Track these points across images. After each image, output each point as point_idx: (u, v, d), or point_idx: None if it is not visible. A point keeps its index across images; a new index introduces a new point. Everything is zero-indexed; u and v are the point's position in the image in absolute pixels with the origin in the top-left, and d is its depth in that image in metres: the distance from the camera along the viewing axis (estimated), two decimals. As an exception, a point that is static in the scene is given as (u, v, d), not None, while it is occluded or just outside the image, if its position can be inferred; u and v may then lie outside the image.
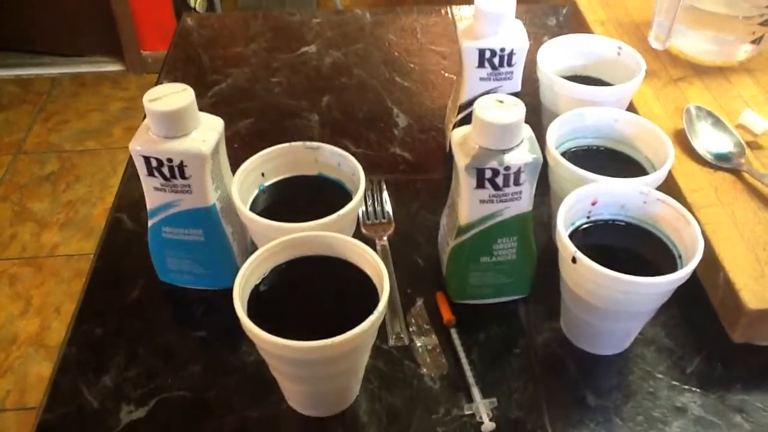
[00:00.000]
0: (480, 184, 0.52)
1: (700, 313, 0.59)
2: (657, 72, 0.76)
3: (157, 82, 0.84)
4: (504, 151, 0.51)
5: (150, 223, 0.56)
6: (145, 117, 0.52)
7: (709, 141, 0.66)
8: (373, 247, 0.62)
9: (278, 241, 0.49)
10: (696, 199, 0.61)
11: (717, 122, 0.67)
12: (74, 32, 2.42)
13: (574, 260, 0.50)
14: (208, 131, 0.52)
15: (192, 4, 2.43)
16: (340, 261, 0.50)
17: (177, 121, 0.50)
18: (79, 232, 1.85)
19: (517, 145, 0.51)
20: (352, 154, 0.62)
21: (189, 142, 0.51)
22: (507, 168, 0.51)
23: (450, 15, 0.97)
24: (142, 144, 0.51)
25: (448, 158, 0.71)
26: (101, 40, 2.42)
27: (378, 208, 0.66)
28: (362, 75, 0.86)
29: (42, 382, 1.50)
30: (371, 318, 0.44)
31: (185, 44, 0.92)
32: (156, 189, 0.53)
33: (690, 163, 0.65)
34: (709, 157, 0.65)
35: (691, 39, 0.78)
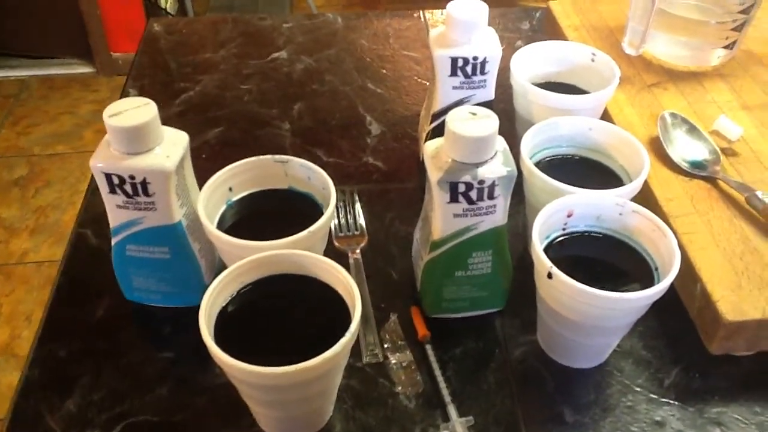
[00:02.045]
0: (453, 199, 0.51)
1: (676, 323, 0.58)
2: (631, 78, 0.75)
3: (124, 90, 0.82)
4: (477, 165, 0.50)
5: (113, 241, 0.54)
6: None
7: (684, 149, 0.66)
8: (346, 260, 0.61)
9: (246, 261, 0.48)
10: (672, 209, 0.61)
11: (692, 129, 0.67)
12: (42, 33, 2.37)
13: (550, 276, 0.49)
14: (172, 146, 0.51)
15: (162, 4, 2.40)
16: (311, 280, 0.49)
17: (139, 136, 0.49)
18: (50, 238, 1.82)
19: (491, 158, 0.50)
20: (324, 163, 0.61)
21: (152, 158, 0.49)
22: (481, 182, 0.50)
23: (423, 20, 0.96)
24: (103, 161, 0.49)
25: (422, 167, 0.70)
26: (70, 41, 2.37)
27: (351, 221, 0.65)
28: (334, 81, 0.84)
29: (11, 391, 1.47)
30: (343, 340, 0.42)
31: (152, 50, 0.89)
32: (119, 206, 0.51)
33: (665, 171, 0.64)
34: (684, 165, 0.64)
35: (664, 44, 0.77)
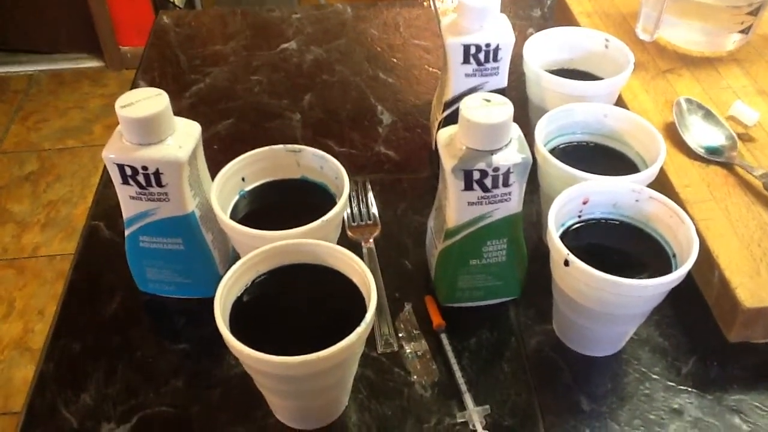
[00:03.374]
0: (468, 186, 0.50)
1: (693, 311, 0.57)
2: (645, 64, 0.74)
3: (134, 83, 0.81)
4: (492, 152, 0.49)
5: (127, 232, 0.54)
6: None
7: (700, 134, 0.65)
8: (359, 250, 0.61)
9: (260, 251, 0.47)
10: (688, 195, 0.60)
11: (708, 115, 0.66)
12: (51, 28, 2.37)
13: (566, 263, 0.48)
14: (184, 137, 0.50)
15: (171, -2, 2.39)
16: (325, 269, 0.48)
17: (151, 127, 0.48)
18: (61, 233, 1.82)
19: (506, 145, 0.50)
20: (336, 154, 0.61)
21: (165, 148, 0.49)
22: (495, 169, 0.49)
23: (433, 8, 0.95)
24: (116, 151, 0.49)
25: (434, 156, 0.70)
26: (78, 36, 2.38)
27: (363, 210, 0.65)
28: (344, 72, 0.84)
29: (27, 386, 1.48)
30: (358, 330, 0.42)
31: (162, 43, 0.89)
32: (132, 198, 0.51)
33: (681, 157, 0.64)
34: (700, 151, 0.64)
35: (678, 30, 0.76)
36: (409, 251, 0.63)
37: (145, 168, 0.49)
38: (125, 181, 0.50)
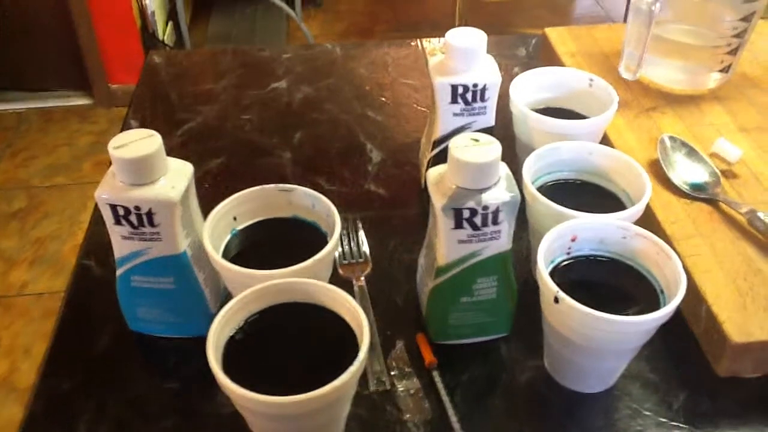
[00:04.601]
0: (458, 225, 0.51)
1: (682, 345, 0.58)
2: (629, 102, 0.76)
3: (125, 122, 0.82)
4: (481, 191, 0.50)
5: (118, 272, 0.54)
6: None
7: (684, 171, 0.66)
8: (351, 288, 0.61)
9: (253, 290, 0.47)
10: (675, 231, 0.61)
11: (691, 152, 0.68)
12: (40, 66, 2.39)
13: (556, 300, 0.49)
14: (177, 177, 0.51)
15: (160, 36, 2.42)
16: (318, 308, 0.48)
17: (144, 168, 0.49)
18: (49, 270, 1.81)
19: (495, 184, 0.50)
20: (326, 192, 0.61)
21: (157, 189, 0.49)
22: (485, 207, 0.50)
23: (420, 48, 0.97)
24: (109, 192, 0.49)
25: (424, 193, 0.71)
26: (68, 73, 2.39)
27: (354, 248, 0.65)
28: (334, 110, 0.85)
29: (12, 425, 1.45)
30: (351, 369, 0.42)
31: (153, 82, 0.90)
32: (124, 237, 0.51)
33: (666, 194, 0.65)
34: (685, 188, 0.65)
35: (660, 68, 0.78)
36: (400, 288, 0.63)
37: (137, 208, 0.49)
38: (118, 221, 0.50)
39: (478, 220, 0.51)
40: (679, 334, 0.58)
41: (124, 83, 2.38)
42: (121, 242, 0.52)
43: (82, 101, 2.43)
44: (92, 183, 2.07)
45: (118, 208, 0.49)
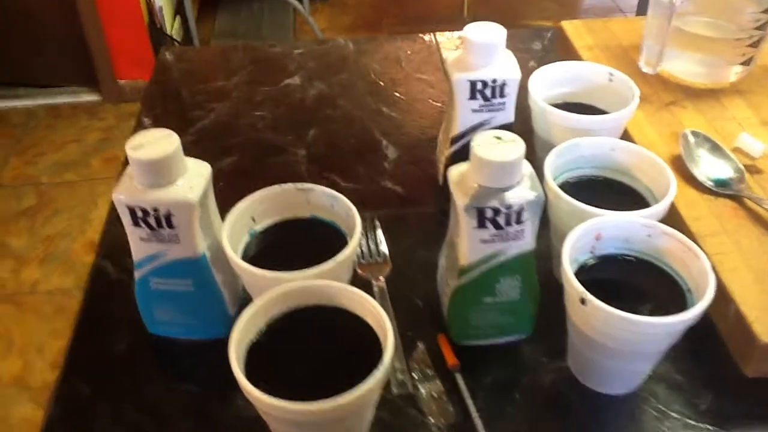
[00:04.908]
0: (481, 224, 0.50)
1: (708, 344, 0.57)
2: (649, 97, 0.74)
3: (138, 121, 0.81)
4: (504, 190, 0.49)
5: (137, 275, 0.53)
6: (127, 163, 0.49)
7: (708, 167, 0.65)
8: (370, 288, 0.60)
9: (273, 293, 0.47)
10: (699, 228, 0.60)
11: (714, 147, 0.66)
12: (48, 63, 2.38)
13: (583, 302, 0.48)
14: (195, 178, 0.50)
15: (168, 31, 2.41)
16: (340, 311, 0.48)
17: (162, 169, 0.48)
18: (60, 267, 1.81)
19: (518, 183, 0.49)
20: (342, 189, 0.60)
21: (176, 190, 0.49)
22: (508, 207, 0.49)
23: (434, 41, 0.96)
24: (127, 194, 0.49)
25: (441, 190, 0.70)
26: (76, 70, 2.39)
27: (373, 248, 0.64)
28: (348, 106, 0.84)
29: (25, 423, 1.45)
30: (376, 374, 0.41)
31: (164, 79, 0.89)
32: (142, 239, 0.51)
33: (690, 190, 0.64)
34: (709, 184, 0.64)
35: (681, 62, 0.77)
36: (419, 288, 0.62)
37: (156, 210, 0.49)
38: (136, 223, 0.50)
39: (501, 219, 0.50)
40: (704, 333, 0.57)
41: (133, 79, 2.38)
42: (139, 244, 0.51)
43: (90, 97, 2.42)
44: (101, 179, 2.07)
45: (137, 210, 0.49)
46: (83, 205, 1.99)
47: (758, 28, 0.72)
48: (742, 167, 0.65)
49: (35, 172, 2.12)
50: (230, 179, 0.73)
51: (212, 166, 0.74)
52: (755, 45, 0.74)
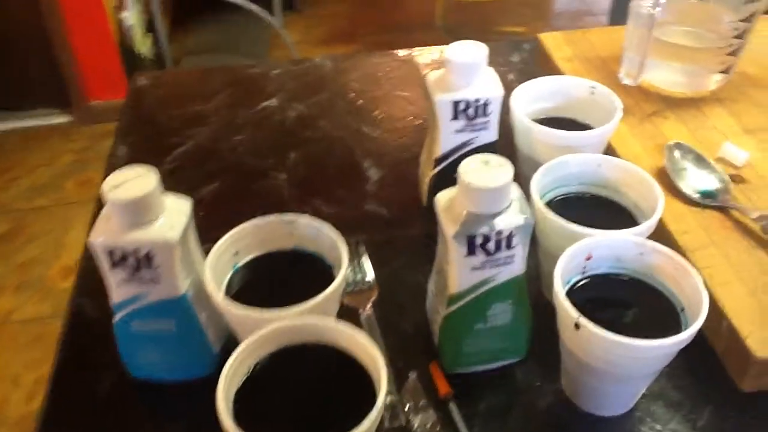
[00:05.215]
0: (471, 252, 0.49)
1: (703, 359, 0.56)
2: (630, 108, 0.74)
3: (112, 151, 0.79)
4: (494, 215, 0.48)
5: (116, 317, 0.51)
6: (101, 206, 0.47)
7: (693, 179, 0.65)
8: (358, 317, 0.59)
9: (261, 334, 0.45)
10: (688, 242, 0.59)
11: (698, 158, 0.66)
12: (19, 85, 2.34)
13: (577, 326, 0.47)
14: (175, 215, 0.49)
15: (139, 50, 2.38)
16: (331, 349, 0.46)
17: (142, 208, 0.46)
18: (35, 295, 1.77)
19: (507, 207, 0.49)
20: (325, 214, 0.59)
21: (156, 230, 0.47)
22: (498, 233, 0.48)
23: (412, 58, 0.95)
24: (105, 236, 0.47)
25: (426, 211, 0.69)
26: (47, 92, 2.35)
27: (359, 275, 0.63)
28: (328, 127, 0.83)
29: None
30: (370, 416, 0.40)
31: (139, 106, 0.87)
32: (121, 282, 0.49)
33: (676, 203, 0.63)
34: (695, 196, 0.63)
35: (661, 72, 0.76)
36: (408, 314, 0.61)
37: (136, 251, 0.47)
38: (114, 266, 0.48)
39: (491, 245, 0.49)
40: (699, 348, 0.56)
41: (105, 99, 2.34)
42: (118, 287, 0.49)
43: (62, 119, 2.38)
44: (75, 203, 2.03)
45: (116, 252, 0.47)
46: (58, 230, 1.95)
47: (737, 37, 0.72)
48: (727, 178, 0.64)
49: (8, 198, 2.08)
50: (211, 207, 0.72)
51: (192, 194, 0.72)
52: (734, 53, 0.74)
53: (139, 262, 0.47)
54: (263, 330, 0.45)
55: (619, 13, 1.71)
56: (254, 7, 2.34)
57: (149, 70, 2.34)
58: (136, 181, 0.47)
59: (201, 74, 0.93)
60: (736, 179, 0.65)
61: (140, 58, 2.37)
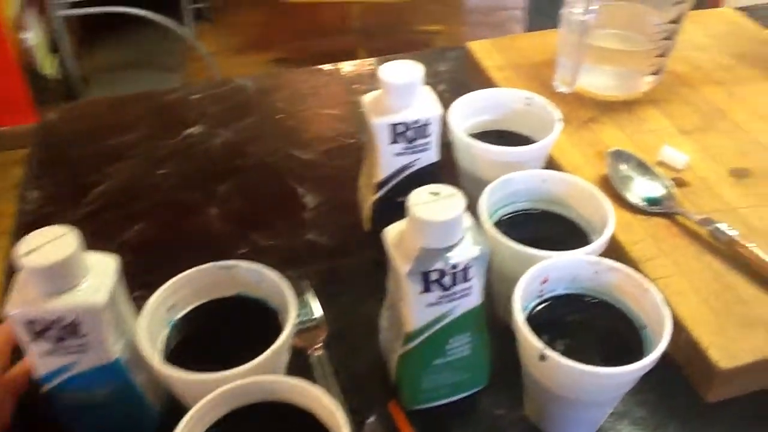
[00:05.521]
0: (426, 288, 0.46)
1: (664, 372, 0.55)
2: (567, 115, 0.73)
3: (22, 197, 0.72)
4: (448, 249, 0.45)
5: (43, 389, 0.46)
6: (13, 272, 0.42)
7: (637, 187, 0.64)
8: (307, 359, 0.56)
9: (208, 399, 0.41)
10: (638, 253, 0.58)
11: (640, 165, 0.65)
12: None
13: (543, 357, 0.45)
14: (100, 276, 0.44)
15: (45, 70, 2.26)
16: (285, 406, 0.43)
17: (62, 273, 0.42)
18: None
19: (461, 239, 0.46)
20: (263, 247, 0.55)
21: (80, 295, 0.42)
22: (454, 266, 0.46)
23: (338, 72, 0.92)
24: (23, 307, 0.42)
25: (369, 237, 0.66)
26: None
27: (305, 312, 0.59)
28: (258, 153, 0.78)
29: None
30: (338, 484, 0.37)
31: (50, 144, 0.81)
32: (45, 354, 0.44)
33: (623, 212, 0.62)
34: (641, 204, 0.63)
35: (593, 76, 0.76)
36: (361, 350, 0.58)
37: (60, 320, 0.42)
38: (37, 337, 0.43)
39: (447, 280, 0.46)
40: (659, 361, 0.55)
41: (9, 125, 2.22)
42: (42, 360, 0.44)
43: (-36, 149, 2.24)
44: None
45: (37, 323, 0.42)
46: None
47: (666, 38, 0.72)
48: (670, 183, 0.64)
49: None
50: (138, 251, 0.66)
51: (117, 237, 0.67)
52: (664, 54, 0.74)
53: (65, 331, 0.43)
54: (210, 395, 0.42)
55: (536, 9, 1.72)
56: (165, 20, 2.26)
57: (57, 94, 2.23)
58: (54, 243, 0.42)
59: (115, 104, 0.87)
60: (679, 183, 0.65)
61: (46, 79, 2.26)
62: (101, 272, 0.44)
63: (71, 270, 0.42)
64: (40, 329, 0.43)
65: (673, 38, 0.72)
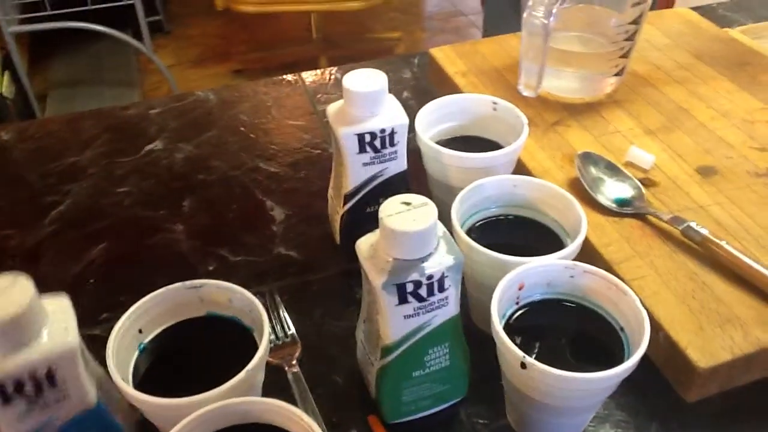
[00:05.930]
0: (402, 300, 0.45)
1: (643, 373, 0.55)
2: (533, 119, 0.73)
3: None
4: (423, 259, 0.45)
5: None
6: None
7: (607, 188, 0.64)
8: (284, 375, 0.54)
9: (184, 424, 0.40)
10: (612, 255, 0.58)
11: (609, 166, 0.65)
12: None
13: (523, 366, 0.44)
14: (60, 317, 0.40)
15: (-3, 89, 2.20)
16: (263, 427, 0.41)
17: (25, 324, 0.38)
18: None
19: (435, 249, 0.45)
20: (232, 263, 0.54)
21: (50, 340, 0.38)
22: (429, 277, 0.45)
23: (300, 82, 0.91)
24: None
25: (341, 250, 0.65)
26: None
27: (278, 329, 0.58)
28: (222, 167, 0.77)
29: None
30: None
31: (5, 164, 0.78)
32: (21, 416, 0.40)
33: (594, 214, 0.62)
34: (612, 206, 0.62)
35: (556, 79, 0.76)
36: (337, 364, 0.57)
37: (32, 374, 0.39)
38: (7, 402, 0.40)
39: (423, 291, 0.45)
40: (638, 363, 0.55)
41: (-36, 146, 2.15)
42: (19, 423, 0.40)
43: None
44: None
45: (6, 385, 0.38)
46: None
47: (628, 39, 0.72)
48: (639, 183, 0.64)
49: None
50: (102, 273, 0.64)
51: (79, 260, 0.65)
52: (626, 55, 0.74)
53: (40, 386, 0.40)
54: (187, 419, 0.40)
55: (489, 13, 1.72)
56: (120, 35, 2.23)
57: (11, 111, 2.18)
58: (6, 294, 0.39)
59: (71, 121, 0.84)
60: (647, 183, 0.65)
61: (0, 98, 2.20)
62: (60, 313, 0.40)
63: (33, 318, 0.39)
64: (10, 391, 0.39)
65: (634, 39, 0.73)
